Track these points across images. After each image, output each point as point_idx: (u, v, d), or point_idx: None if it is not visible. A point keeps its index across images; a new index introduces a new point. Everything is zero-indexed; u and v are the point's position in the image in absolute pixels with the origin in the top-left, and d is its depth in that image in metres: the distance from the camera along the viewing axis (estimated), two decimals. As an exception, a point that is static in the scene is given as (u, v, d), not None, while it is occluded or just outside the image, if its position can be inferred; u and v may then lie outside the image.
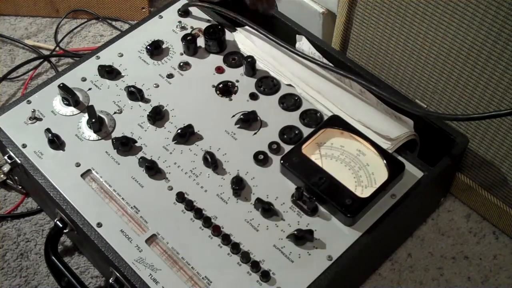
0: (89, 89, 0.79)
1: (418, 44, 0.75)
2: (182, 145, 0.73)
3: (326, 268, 0.63)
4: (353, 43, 0.86)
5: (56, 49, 1.03)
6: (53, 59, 1.02)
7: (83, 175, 0.71)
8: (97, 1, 1.05)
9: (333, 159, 0.71)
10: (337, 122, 0.73)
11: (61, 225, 0.72)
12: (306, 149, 0.71)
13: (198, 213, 0.67)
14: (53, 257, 0.73)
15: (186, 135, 0.73)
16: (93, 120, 0.74)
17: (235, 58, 0.81)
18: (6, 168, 0.76)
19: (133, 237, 0.66)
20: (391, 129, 0.72)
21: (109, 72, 0.80)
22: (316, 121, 0.75)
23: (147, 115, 0.75)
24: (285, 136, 0.74)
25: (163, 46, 0.83)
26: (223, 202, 0.69)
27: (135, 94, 0.77)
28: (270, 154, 0.72)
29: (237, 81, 0.79)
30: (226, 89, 0.78)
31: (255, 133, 0.74)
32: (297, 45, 0.83)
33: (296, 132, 0.74)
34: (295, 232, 0.64)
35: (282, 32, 0.84)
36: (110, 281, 0.67)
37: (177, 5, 0.88)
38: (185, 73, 0.81)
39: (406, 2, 0.73)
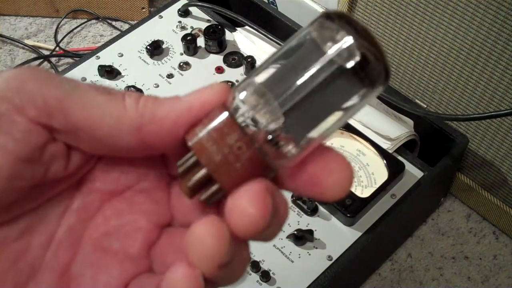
0: (89, 89, 0.79)
1: (418, 44, 0.75)
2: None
3: (326, 268, 0.63)
4: (353, 43, 0.85)
5: (56, 49, 1.03)
6: (53, 59, 1.02)
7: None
8: (97, 1, 1.05)
9: (333, 159, 0.70)
10: (337, 122, 0.73)
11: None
12: (306, 149, 0.71)
13: (198, 213, 0.67)
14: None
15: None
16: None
17: (235, 58, 0.81)
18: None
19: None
20: (391, 129, 0.72)
21: (109, 72, 0.80)
22: (316, 121, 0.75)
23: (147, 115, 0.75)
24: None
25: (163, 46, 0.83)
26: (223, 202, 0.69)
27: (135, 94, 0.77)
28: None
29: (237, 81, 0.79)
30: (226, 89, 0.78)
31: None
32: (297, 45, 0.83)
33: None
34: (295, 232, 0.64)
35: (282, 32, 0.84)
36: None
37: (177, 5, 0.88)
38: (185, 73, 0.81)
39: (406, 2, 0.73)
